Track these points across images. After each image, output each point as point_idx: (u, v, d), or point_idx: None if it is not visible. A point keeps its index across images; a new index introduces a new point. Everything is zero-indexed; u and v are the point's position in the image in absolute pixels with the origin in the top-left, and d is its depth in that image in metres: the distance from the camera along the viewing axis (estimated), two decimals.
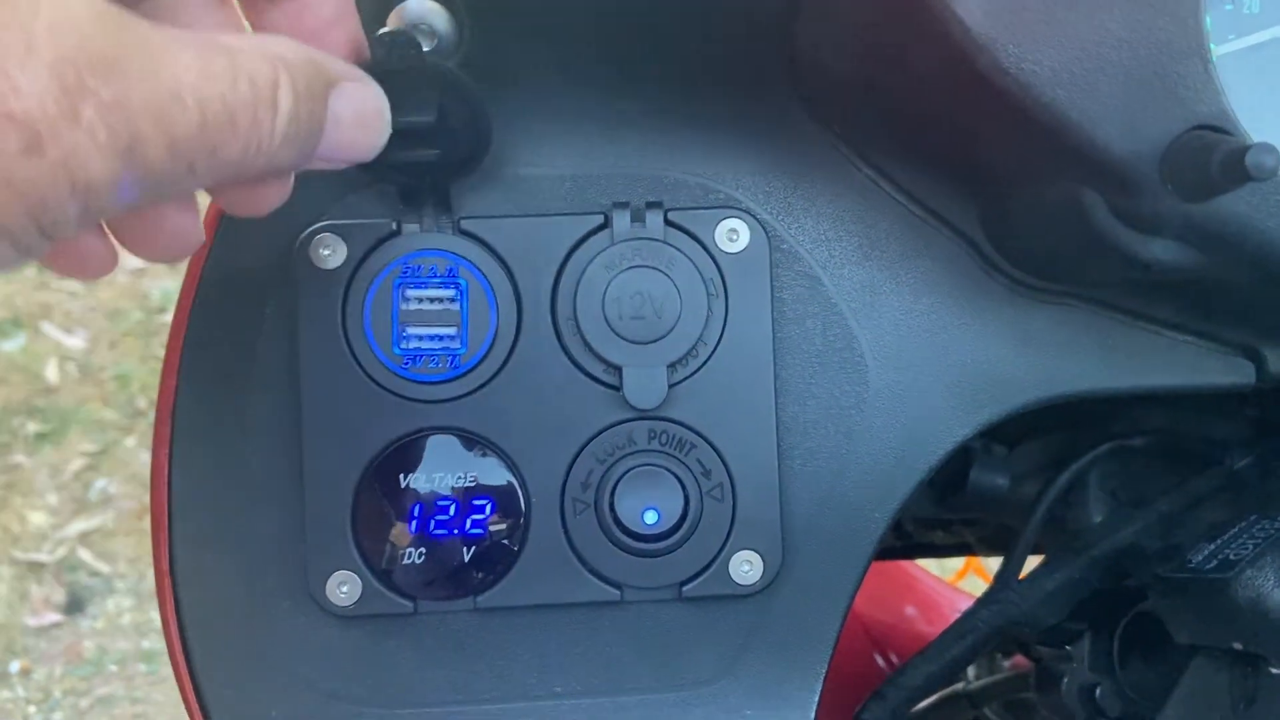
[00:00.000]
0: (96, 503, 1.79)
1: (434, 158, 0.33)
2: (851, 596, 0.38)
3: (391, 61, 0.31)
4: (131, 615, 1.67)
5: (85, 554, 1.74)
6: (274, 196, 0.29)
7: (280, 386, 0.38)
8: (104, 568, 1.72)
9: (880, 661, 0.90)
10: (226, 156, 0.22)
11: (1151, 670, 0.40)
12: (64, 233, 0.20)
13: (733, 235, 0.38)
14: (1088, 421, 0.48)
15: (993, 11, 0.28)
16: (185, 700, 0.38)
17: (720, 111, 0.38)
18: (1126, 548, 0.45)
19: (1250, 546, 0.33)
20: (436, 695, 0.38)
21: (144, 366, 1.89)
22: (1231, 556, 0.34)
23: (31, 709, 1.58)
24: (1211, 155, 0.27)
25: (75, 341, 1.96)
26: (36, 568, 1.72)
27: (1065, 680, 0.44)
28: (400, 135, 0.29)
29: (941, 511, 0.57)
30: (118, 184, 0.20)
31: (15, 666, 1.62)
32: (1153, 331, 0.39)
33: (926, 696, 0.49)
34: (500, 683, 0.38)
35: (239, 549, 0.38)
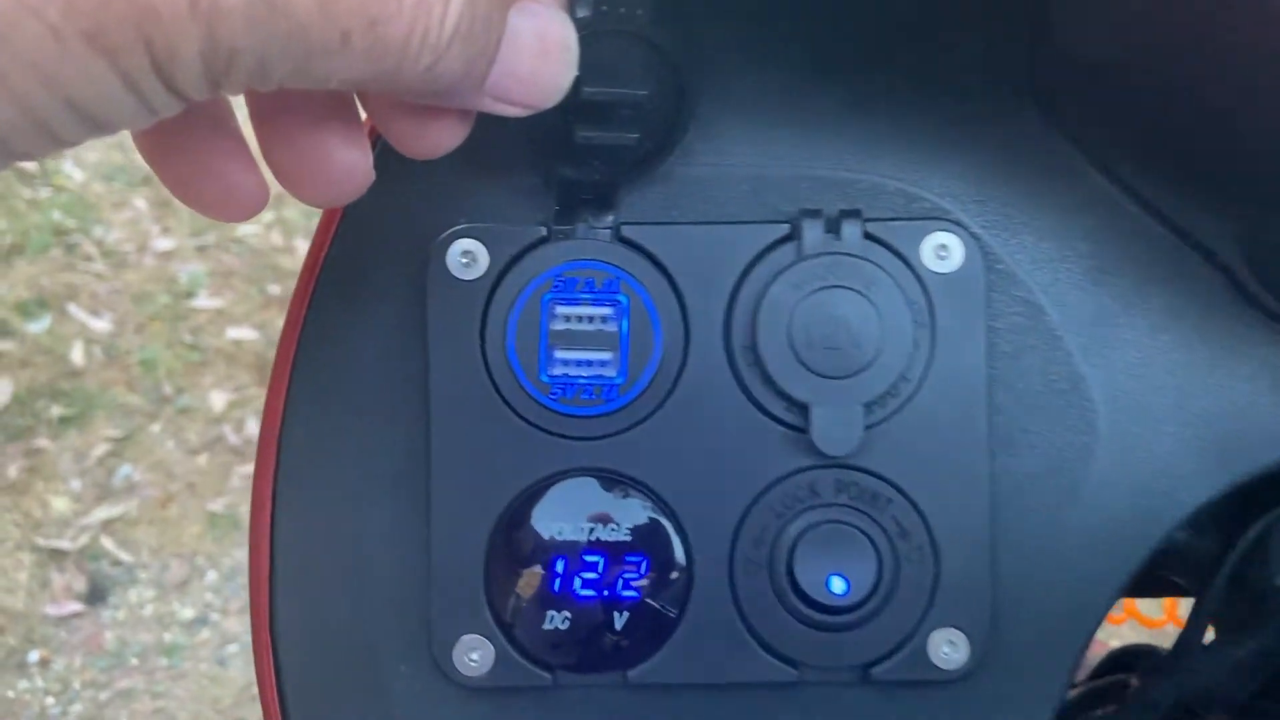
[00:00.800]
0: (120, 490, 1.75)
1: (633, 143, 0.28)
2: (1067, 684, 0.32)
3: (604, 22, 0.25)
4: (154, 607, 1.63)
5: (108, 542, 1.70)
6: (447, 134, 0.24)
7: (405, 416, 0.32)
8: (126, 557, 1.68)
9: None
10: (387, 36, 0.18)
11: None
12: (184, 82, 0.17)
13: (942, 252, 0.32)
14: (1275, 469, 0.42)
15: None
16: None
17: (928, 106, 0.32)
18: None
19: None
20: None
21: (170, 352, 1.85)
22: None
23: (50, 700, 1.54)
24: None
25: (101, 324, 1.92)
26: (58, 555, 1.69)
27: None
28: (601, 110, 0.24)
29: None
30: (253, 21, 0.16)
31: (34, 656, 1.58)
32: None
33: None
34: None
35: (351, 603, 0.32)
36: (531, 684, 0.32)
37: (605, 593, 0.32)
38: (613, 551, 0.32)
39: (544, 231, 0.32)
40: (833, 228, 0.32)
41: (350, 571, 0.32)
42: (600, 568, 0.32)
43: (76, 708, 1.52)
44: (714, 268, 0.32)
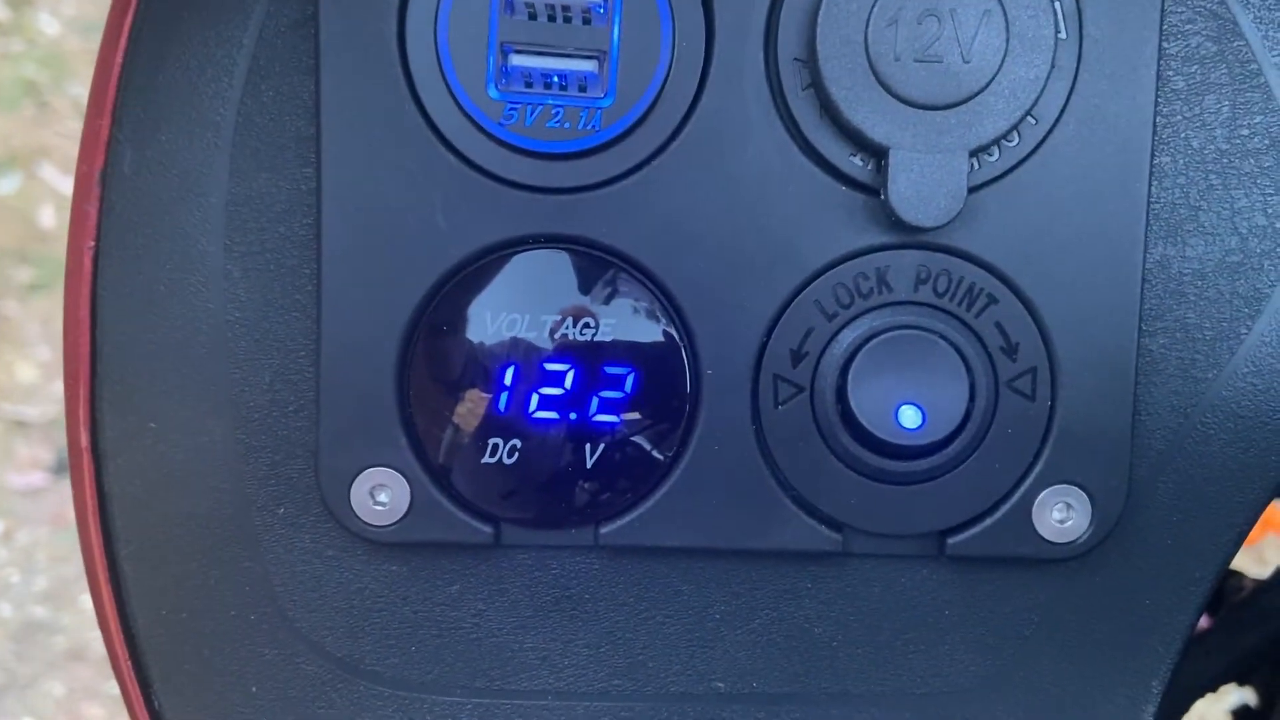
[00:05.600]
0: None
1: None
2: (1222, 569, 0.23)
3: None
4: None
5: None
6: None
7: (282, 158, 0.22)
8: None
9: None
10: None
11: None
12: None
13: None
14: None
15: None
16: (117, 672, 0.23)
17: None
18: None
19: None
20: (523, 678, 0.23)
21: None
22: None
23: (13, 573, 1.49)
24: None
25: (73, 187, 1.81)
26: (23, 425, 1.61)
27: None
28: None
29: None
30: None
31: None
32: None
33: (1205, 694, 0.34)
34: (631, 667, 0.23)
35: (205, 418, 0.22)
36: (464, 539, 0.22)
37: (573, 416, 0.22)
38: (586, 359, 0.22)
39: None
40: None
41: (202, 375, 0.22)
42: (567, 381, 0.22)
43: (40, 581, 1.47)
44: None
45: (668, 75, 0.21)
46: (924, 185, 0.21)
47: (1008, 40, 0.21)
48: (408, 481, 0.22)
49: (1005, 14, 0.21)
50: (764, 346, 0.22)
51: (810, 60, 0.21)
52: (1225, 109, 0.22)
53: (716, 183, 0.21)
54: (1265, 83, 0.22)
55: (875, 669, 0.23)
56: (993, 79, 0.21)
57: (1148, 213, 0.22)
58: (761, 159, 0.21)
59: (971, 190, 0.21)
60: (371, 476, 0.22)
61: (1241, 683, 0.45)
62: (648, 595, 0.23)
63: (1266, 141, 0.22)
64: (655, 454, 0.22)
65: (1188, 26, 0.22)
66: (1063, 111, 0.21)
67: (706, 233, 0.22)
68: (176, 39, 0.22)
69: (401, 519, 0.22)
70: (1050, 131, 0.21)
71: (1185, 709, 0.34)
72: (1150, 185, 0.22)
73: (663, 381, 0.22)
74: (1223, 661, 0.34)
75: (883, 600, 0.23)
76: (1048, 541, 0.22)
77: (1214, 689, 0.36)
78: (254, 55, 0.21)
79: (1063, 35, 0.21)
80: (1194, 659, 0.34)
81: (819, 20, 0.21)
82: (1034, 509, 0.22)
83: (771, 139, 0.21)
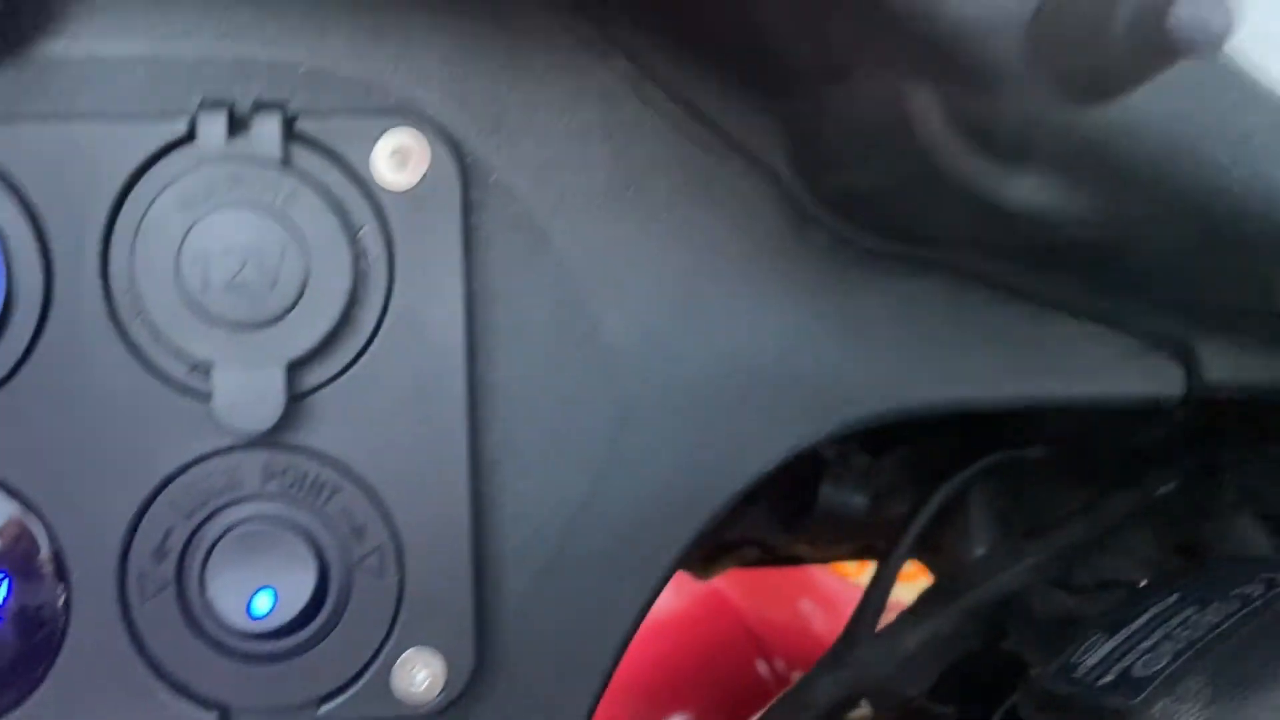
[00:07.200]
0: None
1: None
2: (594, 701, 0.26)
3: None
4: None
5: None
6: None
7: None
8: None
9: (764, 668, 0.79)
10: None
11: None
12: None
13: (401, 159, 0.24)
14: (973, 424, 0.37)
15: None
16: None
17: None
18: (1014, 595, 0.34)
19: (1168, 655, 0.22)
20: None
21: None
22: (1138, 671, 0.22)
23: None
24: (1115, 11, 0.15)
25: None
26: None
27: None
28: None
29: (785, 536, 0.45)
30: None
31: None
32: (1041, 316, 0.26)
33: None
34: None
35: None
36: None
37: None
38: None
39: None
40: (242, 125, 0.23)
41: None
42: None
43: None
44: (84, 180, 0.23)
45: (6, 306, 0.23)
46: (244, 395, 0.23)
47: (308, 265, 0.23)
48: None
49: (305, 248, 0.23)
50: (128, 547, 0.24)
51: (135, 287, 0.23)
52: (545, 306, 0.25)
53: (66, 403, 0.23)
54: (577, 282, 0.25)
55: None
56: (299, 299, 0.23)
57: (469, 402, 0.24)
58: (108, 379, 0.24)
59: (308, 393, 0.24)
60: None
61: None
62: None
63: (581, 333, 0.25)
64: (31, 656, 0.24)
65: (500, 236, 0.25)
66: (381, 319, 0.24)
67: (61, 448, 0.23)
68: None
69: None
70: (373, 337, 0.24)
71: None
72: (472, 378, 0.24)
73: (32, 587, 0.24)
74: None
75: None
76: (409, 702, 0.24)
77: None
78: None
79: (369, 256, 0.24)
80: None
81: (135, 253, 0.23)
82: (393, 673, 0.24)
83: (115, 360, 0.24)
